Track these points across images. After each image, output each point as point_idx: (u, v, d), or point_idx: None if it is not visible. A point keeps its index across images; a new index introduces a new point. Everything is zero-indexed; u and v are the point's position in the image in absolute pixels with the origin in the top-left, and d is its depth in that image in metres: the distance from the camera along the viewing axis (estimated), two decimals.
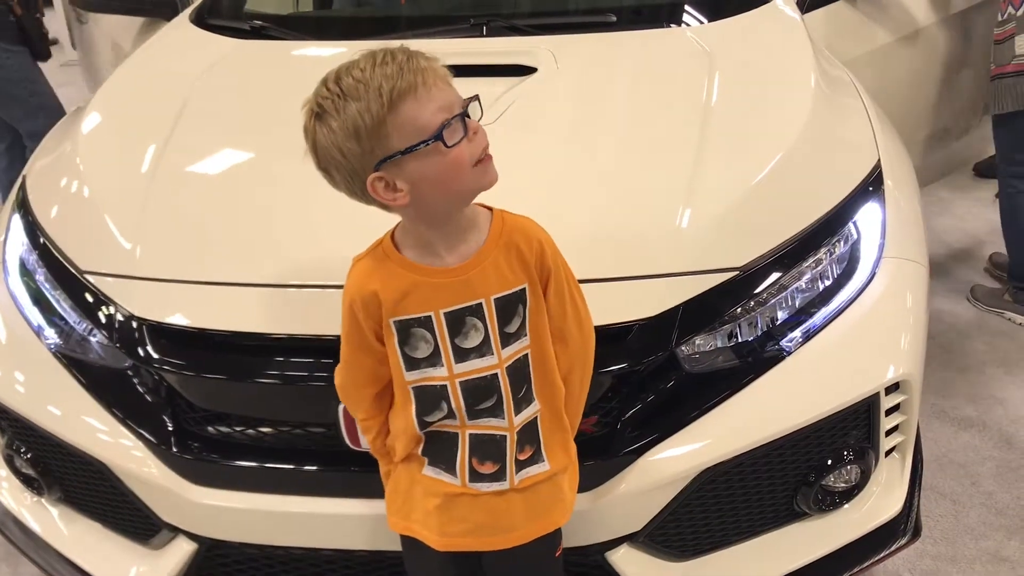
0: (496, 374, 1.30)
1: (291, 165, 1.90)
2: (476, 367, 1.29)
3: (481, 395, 1.30)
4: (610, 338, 1.53)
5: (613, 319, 1.54)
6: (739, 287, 1.63)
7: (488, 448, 1.33)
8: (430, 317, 1.27)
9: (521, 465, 1.35)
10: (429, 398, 1.31)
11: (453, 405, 1.31)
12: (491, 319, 1.28)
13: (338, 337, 1.36)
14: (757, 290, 1.64)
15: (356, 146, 1.15)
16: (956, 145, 3.36)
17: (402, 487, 1.40)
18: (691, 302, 1.58)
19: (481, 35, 2.33)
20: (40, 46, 3.68)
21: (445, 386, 1.30)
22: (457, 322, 1.27)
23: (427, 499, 1.36)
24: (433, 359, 1.29)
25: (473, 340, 1.28)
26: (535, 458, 1.37)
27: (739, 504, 1.66)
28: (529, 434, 1.36)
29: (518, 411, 1.33)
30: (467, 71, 2.14)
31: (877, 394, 1.65)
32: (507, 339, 1.30)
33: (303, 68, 2.32)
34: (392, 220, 1.31)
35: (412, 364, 1.30)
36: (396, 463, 1.40)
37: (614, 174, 1.77)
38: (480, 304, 1.27)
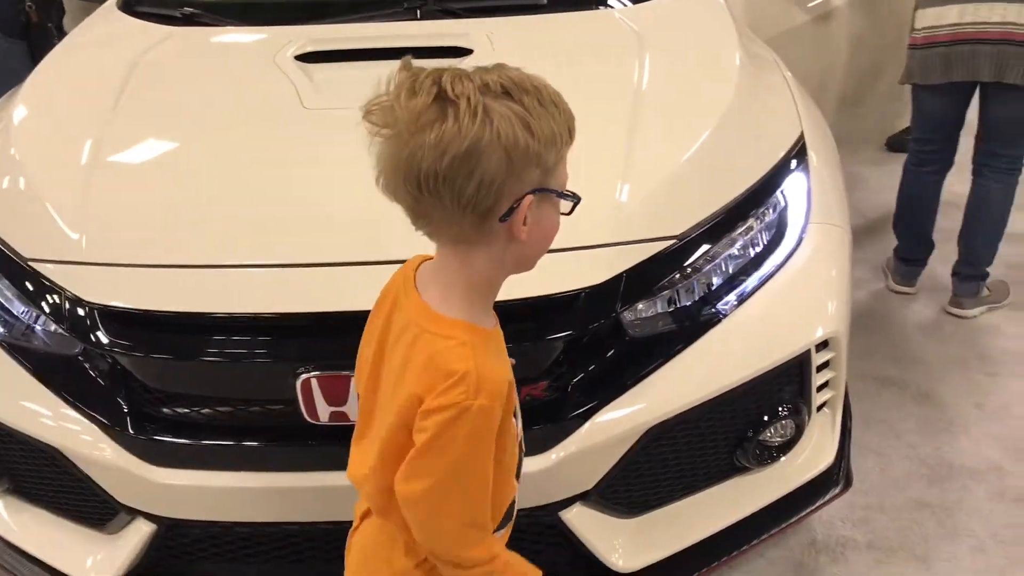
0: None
1: (229, 149, 1.96)
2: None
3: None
4: (559, 306, 1.60)
5: (561, 288, 1.60)
6: (676, 255, 1.71)
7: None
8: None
9: None
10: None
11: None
12: None
13: (288, 314, 1.36)
14: (693, 257, 1.72)
15: (527, 158, 0.99)
16: (871, 118, 3.52)
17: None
18: (633, 270, 1.66)
19: (415, 18, 2.37)
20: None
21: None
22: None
23: None
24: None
25: None
26: None
27: (684, 460, 1.74)
28: None
29: None
30: (403, 53, 2.19)
31: (808, 351, 1.75)
32: None
33: (236, 54, 2.33)
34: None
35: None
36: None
37: None
38: None
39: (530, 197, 1.02)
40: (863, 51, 3.17)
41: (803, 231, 1.84)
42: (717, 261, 1.75)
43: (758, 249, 1.79)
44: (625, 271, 1.65)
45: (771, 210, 1.83)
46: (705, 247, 1.73)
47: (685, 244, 1.71)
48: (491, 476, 1.07)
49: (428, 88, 0.97)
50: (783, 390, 1.78)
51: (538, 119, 1.00)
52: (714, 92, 2.00)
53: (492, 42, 2.19)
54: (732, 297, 1.74)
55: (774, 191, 1.86)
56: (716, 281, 1.74)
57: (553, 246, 1.63)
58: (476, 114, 0.95)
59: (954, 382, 2.68)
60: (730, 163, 1.87)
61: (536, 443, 1.60)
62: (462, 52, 2.14)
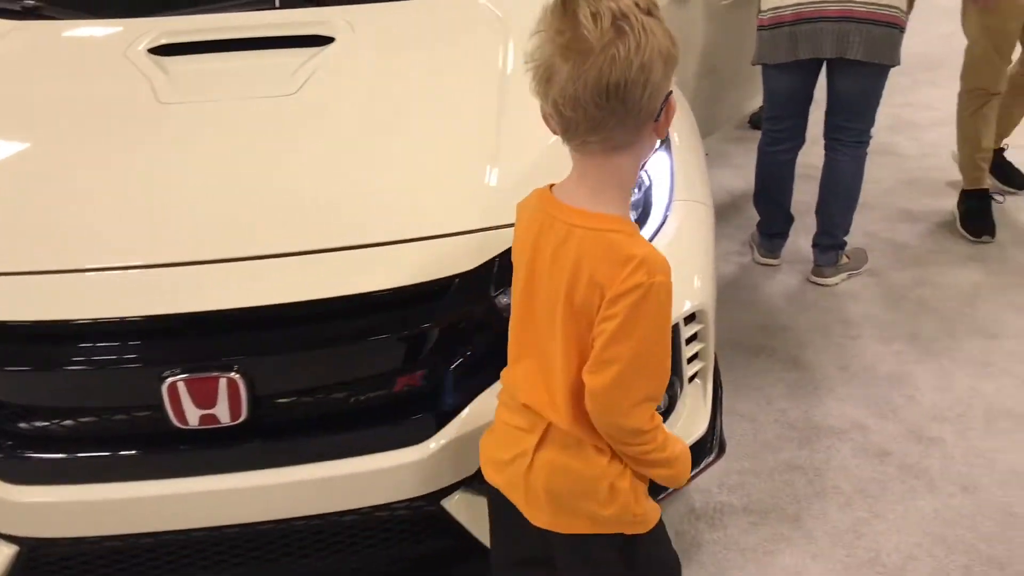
0: None
1: (80, 149, 1.87)
2: None
3: None
4: (432, 294, 1.60)
5: (434, 275, 1.60)
6: None
7: None
8: None
9: None
10: None
11: None
12: None
13: (150, 317, 1.32)
14: None
15: (673, 63, 1.14)
16: (733, 96, 3.63)
17: None
18: (505, 253, 1.66)
19: (274, 7, 2.31)
20: None
21: None
22: None
23: None
24: None
25: None
26: None
27: None
28: None
29: None
30: (262, 44, 2.14)
31: (677, 324, 1.79)
32: None
33: (85, 49, 2.23)
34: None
35: None
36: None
37: (424, 139, 1.82)
38: None
39: (673, 96, 1.17)
40: (722, 31, 3.26)
41: (667, 209, 1.89)
42: None
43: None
44: (497, 256, 1.65)
45: (637, 189, 1.87)
46: None
47: None
48: (670, 347, 1.21)
49: (607, 12, 1.08)
50: None
51: (655, 32, 1.11)
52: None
53: (354, 29, 2.16)
54: None
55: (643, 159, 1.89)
56: None
57: (423, 233, 1.68)
58: (645, 31, 1.09)
59: (819, 347, 2.80)
60: None
61: (415, 432, 1.60)
62: (322, 40, 2.11)
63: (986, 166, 3.50)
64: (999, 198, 3.50)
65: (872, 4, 2.73)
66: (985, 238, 3.40)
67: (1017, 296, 3.05)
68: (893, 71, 2.87)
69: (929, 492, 2.20)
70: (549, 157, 1.79)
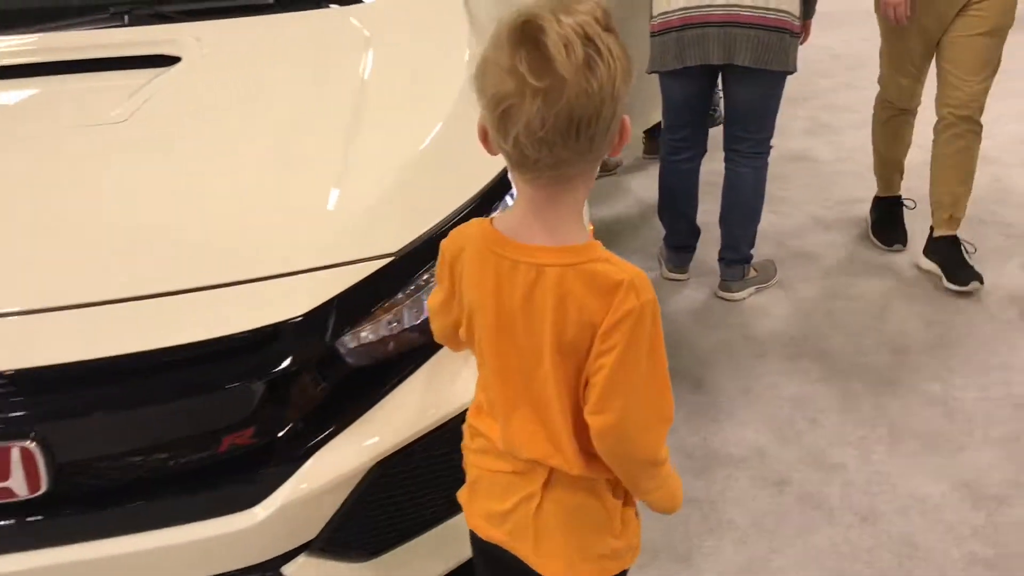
0: None
1: None
2: None
3: None
4: (260, 343, 1.45)
5: (261, 322, 1.45)
6: (396, 273, 1.59)
7: None
8: None
9: None
10: None
11: None
12: None
13: None
14: (416, 274, 1.61)
15: (631, 82, 1.04)
16: (638, 106, 3.53)
17: None
18: (345, 295, 1.53)
19: (123, 24, 2.14)
20: None
21: None
22: None
23: None
24: None
25: None
26: None
27: (418, 493, 1.62)
28: None
29: None
30: (103, 65, 1.98)
31: None
32: None
33: None
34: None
35: None
36: None
37: (262, 168, 1.68)
38: None
39: (626, 115, 1.07)
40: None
41: None
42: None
43: None
44: (336, 296, 1.51)
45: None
46: (429, 261, 1.62)
47: (407, 260, 1.59)
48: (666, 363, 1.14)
49: (576, 39, 0.97)
50: None
51: (616, 55, 1.02)
52: (441, 91, 1.89)
53: (202, 47, 2.00)
54: None
55: (504, 195, 1.77)
56: None
57: (252, 275, 1.53)
58: (612, 55, 0.99)
59: (723, 367, 2.70)
60: (456, 167, 1.75)
61: (246, 496, 1.45)
62: (168, 61, 1.95)
63: (897, 176, 3.41)
64: (910, 203, 3.45)
65: (759, 8, 2.63)
66: (896, 247, 3.33)
67: (924, 307, 2.98)
68: (814, 73, 2.77)
69: (828, 523, 2.10)
70: (400, 187, 1.67)
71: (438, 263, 1.23)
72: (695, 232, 3.17)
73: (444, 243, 1.22)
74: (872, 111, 3.35)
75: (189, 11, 2.19)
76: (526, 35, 0.97)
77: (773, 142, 2.96)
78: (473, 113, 1.86)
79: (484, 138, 1.09)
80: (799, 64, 2.77)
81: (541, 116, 0.97)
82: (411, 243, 1.59)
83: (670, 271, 3.19)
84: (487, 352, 1.18)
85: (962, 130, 2.99)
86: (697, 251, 3.22)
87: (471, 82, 1.05)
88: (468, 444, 1.30)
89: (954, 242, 3.10)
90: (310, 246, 1.54)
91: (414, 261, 1.60)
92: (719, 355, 2.76)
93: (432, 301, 1.29)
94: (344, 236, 1.57)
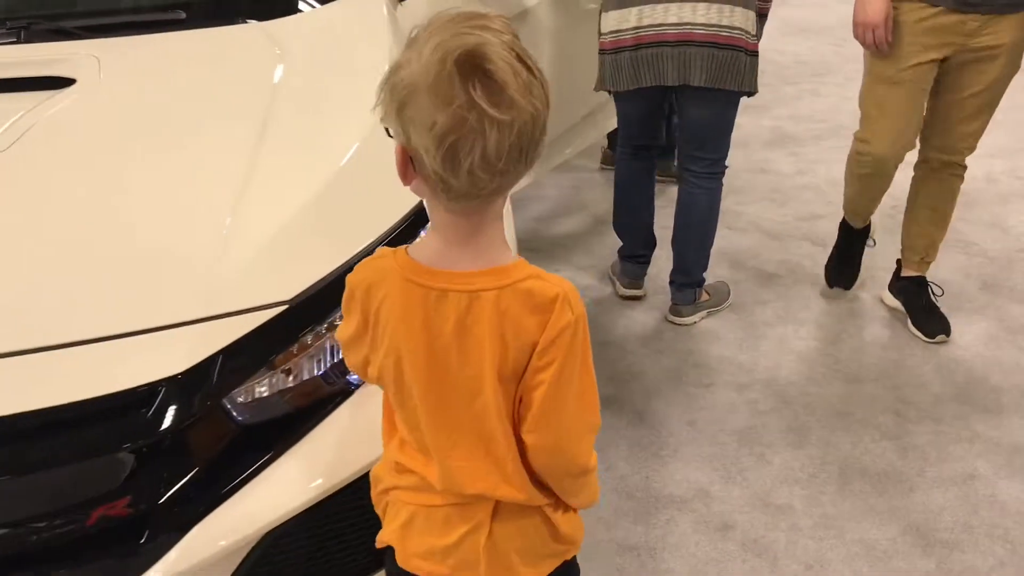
0: None
1: None
2: None
3: None
4: (133, 405, 1.32)
5: (134, 382, 1.32)
6: (292, 322, 1.46)
7: None
8: None
9: None
10: None
11: None
12: None
13: None
14: (316, 322, 1.48)
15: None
16: (590, 118, 3.41)
17: None
18: (232, 347, 1.39)
19: (17, 41, 2.00)
20: None
21: None
22: None
23: None
24: None
25: None
26: None
27: (319, 560, 1.49)
28: None
29: None
30: None
31: None
32: None
33: None
34: None
35: None
36: None
37: (148, 209, 1.54)
38: None
39: None
40: (566, 54, 3.03)
41: None
42: None
43: None
44: (221, 350, 1.38)
45: None
46: (330, 309, 1.49)
47: (304, 308, 1.46)
48: None
49: (518, 62, 0.95)
50: None
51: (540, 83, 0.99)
52: (351, 121, 1.76)
53: (100, 68, 1.86)
54: None
55: (414, 231, 1.64)
56: (335, 355, 1.49)
57: (127, 329, 1.39)
58: (540, 71, 0.98)
59: (669, 397, 2.58)
60: (365, 203, 1.63)
61: (122, 571, 1.31)
62: (61, 83, 1.81)
63: (868, 215, 2.97)
64: (870, 242, 3.09)
65: (713, 26, 2.51)
66: (837, 289, 3.08)
67: (881, 332, 2.88)
68: (780, 80, 2.66)
69: (771, 573, 1.99)
70: (299, 227, 1.53)
71: (345, 296, 1.14)
72: (651, 242, 3.06)
73: (352, 277, 1.13)
74: (847, 158, 2.82)
75: (93, 27, 2.05)
76: (474, 64, 0.92)
77: (731, 154, 2.85)
78: (384, 146, 1.75)
79: (403, 167, 1.02)
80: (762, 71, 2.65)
81: (497, 146, 0.94)
82: (308, 289, 1.47)
83: (625, 287, 3.07)
84: (417, 389, 1.11)
85: (946, 174, 2.75)
86: (652, 271, 3.10)
87: (383, 109, 0.98)
88: (396, 482, 1.22)
89: (922, 283, 2.91)
90: (195, 295, 1.41)
91: (313, 309, 1.47)
92: (665, 384, 2.64)
93: (341, 335, 1.19)
94: (233, 284, 1.43)
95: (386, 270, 1.09)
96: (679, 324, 2.92)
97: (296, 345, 1.46)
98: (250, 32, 2.07)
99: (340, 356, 1.49)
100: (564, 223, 3.71)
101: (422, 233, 1.64)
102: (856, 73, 2.19)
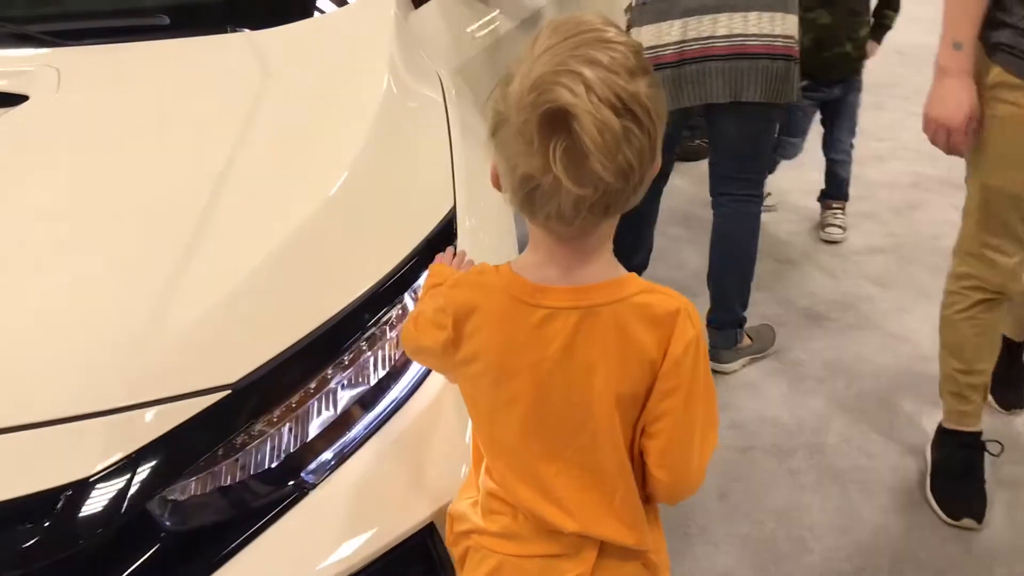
0: None
1: None
2: None
3: None
4: (30, 515, 1.09)
5: (32, 487, 1.09)
6: (232, 410, 1.21)
7: None
8: None
9: None
10: None
11: None
12: None
13: None
14: (261, 411, 1.23)
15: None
16: None
17: None
18: (159, 442, 1.16)
19: None
20: None
21: None
22: None
23: None
24: None
25: None
26: None
27: None
28: None
29: None
30: None
31: (432, 523, 1.29)
32: None
33: None
34: None
35: None
36: None
37: (75, 269, 1.29)
38: None
39: None
40: None
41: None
42: (300, 412, 1.27)
43: (367, 386, 1.32)
44: (147, 445, 1.15)
45: (389, 329, 1.35)
46: (280, 395, 1.25)
47: (245, 393, 1.22)
48: None
49: (614, 117, 0.88)
50: (408, 572, 1.32)
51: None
52: (332, 163, 1.49)
53: (59, 84, 1.63)
54: (326, 458, 1.27)
55: (397, 297, 1.38)
56: (298, 439, 1.26)
57: (30, 419, 1.16)
58: (649, 112, 0.92)
59: None
60: (334, 265, 1.37)
61: None
62: (11, 100, 1.59)
63: (977, 396, 2.14)
64: (994, 447, 2.20)
65: (765, 36, 2.28)
66: (966, 522, 2.09)
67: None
68: None
69: None
70: (250, 296, 1.26)
71: (438, 309, 1.08)
72: (646, 258, 2.87)
73: (452, 293, 1.07)
74: (944, 298, 2.14)
75: (63, 32, 1.82)
76: (559, 122, 0.87)
77: (780, 174, 2.60)
78: (367, 194, 1.49)
79: (496, 179, 1.00)
80: None
81: (575, 207, 0.91)
82: (256, 371, 1.22)
83: None
84: (516, 416, 1.05)
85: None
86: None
87: (489, 122, 0.95)
88: (480, 525, 1.13)
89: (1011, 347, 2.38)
90: (118, 378, 1.17)
91: (258, 395, 1.23)
92: None
93: (418, 340, 1.14)
94: (166, 363, 1.19)
95: (490, 288, 1.04)
96: (718, 371, 2.63)
97: (240, 437, 1.22)
98: (236, 45, 1.82)
99: (295, 448, 1.26)
100: None
101: (411, 297, 1.40)
102: (924, 86, 1.86)
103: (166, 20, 1.88)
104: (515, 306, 1.01)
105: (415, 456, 1.32)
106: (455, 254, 1.41)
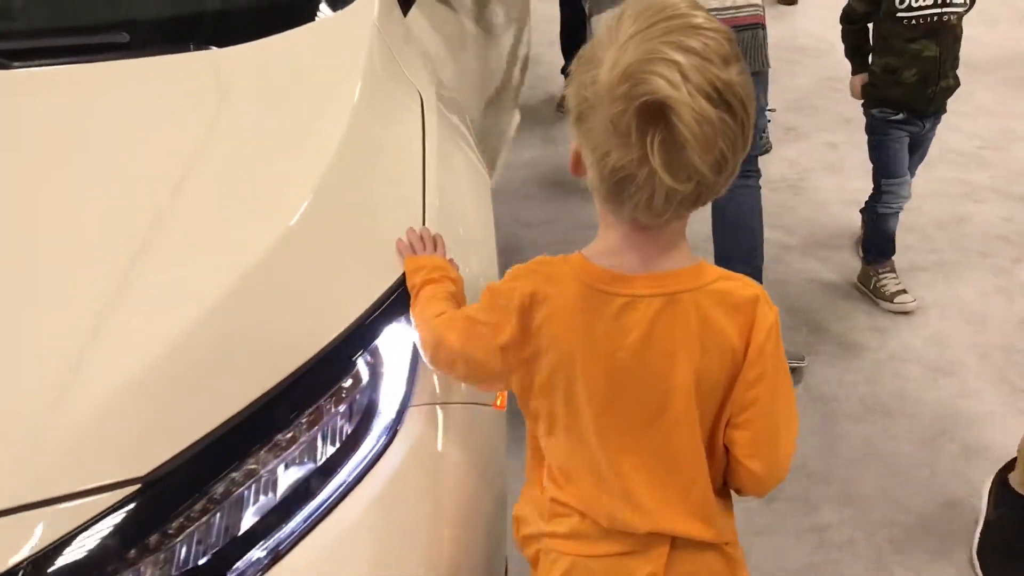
0: None
1: None
2: None
3: None
4: None
5: None
6: (147, 506, 1.06)
7: None
8: None
9: None
10: None
11: None
12: None
13: None
14: (179, 504, 1.07)
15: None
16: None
17: None
18: (56, 547, 1.00)
19: None
20: None
21: None
22: None
23: None
24: None
25: None
26: None
27: None
28: None
29: None
30: None
31: None
32: None
33: None
34: None
35: None
36: None
37: None
38: None
39: None
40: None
41: (396, 422, 1.21)
42: (227, 503, 1.10)
43: (310, 468, 1.15)
44: (36, 554, 0.99)
45: (335, 402, 1.18)
46: (203, 486, 1.08)
47: (162, 486, 1.06)
48: None
49: (711, 109, 0.87)
50: None
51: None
52: (281, 210, 1.30)
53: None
54: (260, 554, 1.10)
55: (347, 364, 1.21)
56: (229, 535, 1.10)
57: None
58: (742, 100, 0.92)
59: None
60: (272, 326, 1.19)
61: None
62: None
63: None
64: None
65: (730, 8, 2.30)
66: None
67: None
68: None
69: None
70: (166, 372, 1.10)
71: (499, 304, 1.05)
72: None
73: (515, 283, 1.04)
74: None
75: (11, 51, 1.67)
76: (657, 114, 0.86)
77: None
78: (311, 247, 1.30)
79: (575, 164, 1.00)
80: None
81: (666, 201, 0.92)
82: (171, 461, 1.06)
83: None
84: (591, 408, 1.03)
85: None
86: None
87: (572, 102, 0.95)
88: (547, 528, 1.12)
89: None
90: (7, 473, 1.01)
91: (177, 488, 1.07)
92: None
93: (477, 349, 1.09)
94: (65, 454, 1.03)
95: (559, 277, 1.02)
96: None
97: (153, 537, 1.05)
98: (202, 62, 1.66)
99: (220, 548, 1.09)
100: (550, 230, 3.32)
101: (365, 363, 1.22)
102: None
103: (125, 38, 1.72)
104: (590, 294, 1.00)
105: (372, 543, 1.15)
106: (421, 237, 1.32)
